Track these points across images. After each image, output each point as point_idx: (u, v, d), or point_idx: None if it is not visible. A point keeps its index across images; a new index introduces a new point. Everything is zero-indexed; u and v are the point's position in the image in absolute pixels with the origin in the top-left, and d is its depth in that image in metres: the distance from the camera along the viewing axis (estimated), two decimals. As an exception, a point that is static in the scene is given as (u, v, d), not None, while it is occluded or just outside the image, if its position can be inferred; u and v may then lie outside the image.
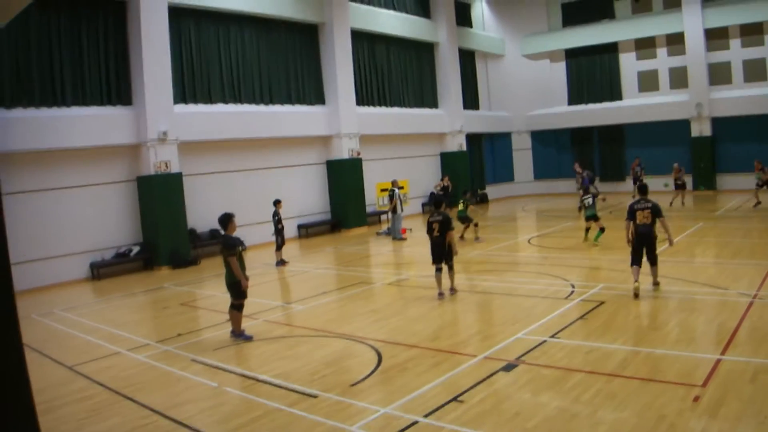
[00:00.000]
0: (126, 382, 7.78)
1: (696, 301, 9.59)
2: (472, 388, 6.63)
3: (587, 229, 15.87)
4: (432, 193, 27.60)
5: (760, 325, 8.00)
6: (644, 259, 10.17)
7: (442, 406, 6.20)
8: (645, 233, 10.06)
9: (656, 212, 10.03)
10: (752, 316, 8.41)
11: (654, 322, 8.56)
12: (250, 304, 11.67)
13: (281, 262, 16.27)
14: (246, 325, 10.13)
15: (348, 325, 9.83)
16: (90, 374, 8.19)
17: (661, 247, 10.83)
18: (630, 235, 10.31)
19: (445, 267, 11.20)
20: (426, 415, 6.00)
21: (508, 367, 7.18)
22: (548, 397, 6.22)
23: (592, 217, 15.61)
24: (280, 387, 7.16)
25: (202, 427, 6.18)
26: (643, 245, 10.11)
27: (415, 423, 5.86)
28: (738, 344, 7.34)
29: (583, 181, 24.84)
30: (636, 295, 9.80)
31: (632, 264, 10.23)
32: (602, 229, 15.37)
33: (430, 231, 11.21)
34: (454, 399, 6.34)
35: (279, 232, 16.28)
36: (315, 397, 6.76)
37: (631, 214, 10.21)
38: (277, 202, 16.38)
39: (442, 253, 11.11)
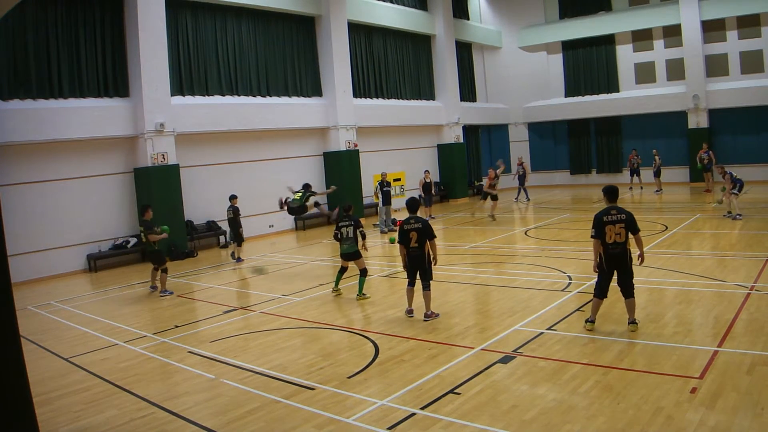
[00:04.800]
0: (123, 373, 7.78)
1: (693, 293, 9.59)
2: (469, 380, 6.63)
3: (358, 280, 10.99)
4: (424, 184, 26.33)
5: (757, 317, 8.01)
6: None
7: (439, 398, 6.21)
8: (618, 254, 7.72)
9: (631, 227, 7.72)
10: (749, 308, 8.44)
11: (651, 314, 8.55)
12: (246, 296, 11.70)
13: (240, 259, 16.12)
14: (243, 316, 10.17)
15: (345, 317, 9.83)
16: (87, 366, 8.19)
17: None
18: (598, 259, 7.88)
19: (419, 284, 9.26)
20: (423, 407, 6.01)
21: (505, 359, 7.19)
22: (545, 389, 6.23)
23: (351, 256, 10.94)
24: (277, 379, 7.16)
25: (199, 419, 6.18)
26: (614, 270, 7.83)
27: (412, 415, 5.87)
28: (735, 336, 7.36)
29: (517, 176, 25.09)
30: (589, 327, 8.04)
31: (596, 295, 8.00)
32: (364, 272, 10.88)
33: (405, 240, 9.11)
34: (451, 391, 6.35)
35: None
36: (312, 389, 6.76)
37: (600, 229, 7.78)
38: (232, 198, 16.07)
39: (420, 268, 9.14)
